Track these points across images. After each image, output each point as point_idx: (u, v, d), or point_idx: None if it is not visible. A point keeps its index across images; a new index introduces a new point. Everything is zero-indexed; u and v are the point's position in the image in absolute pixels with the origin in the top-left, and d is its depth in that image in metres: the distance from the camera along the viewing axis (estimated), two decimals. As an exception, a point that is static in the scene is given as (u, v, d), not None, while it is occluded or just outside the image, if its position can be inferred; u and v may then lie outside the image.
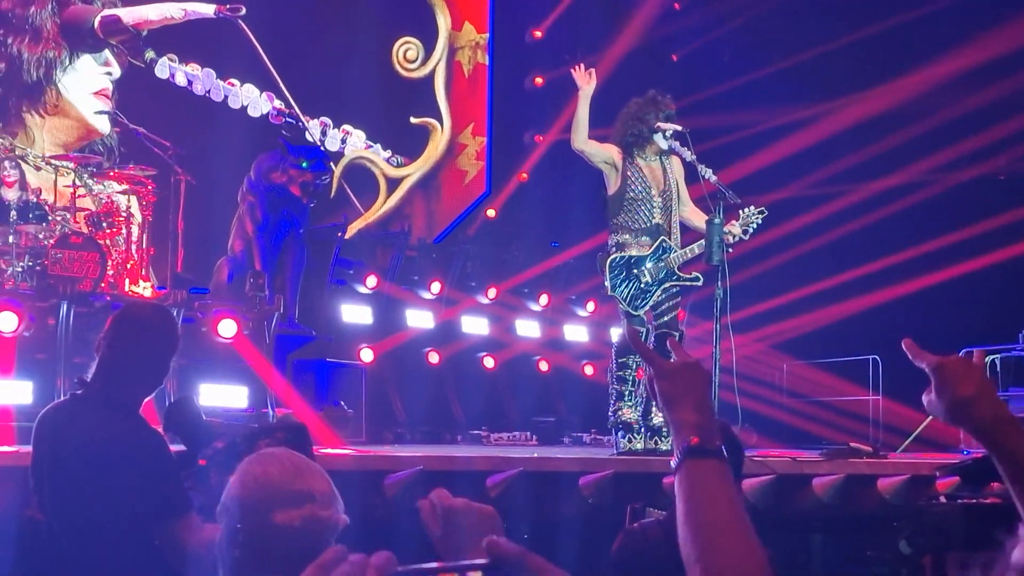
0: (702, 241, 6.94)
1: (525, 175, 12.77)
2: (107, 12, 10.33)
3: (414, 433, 9.48)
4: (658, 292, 7.04)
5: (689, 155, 7.04)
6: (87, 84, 10.34)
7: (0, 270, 7.74)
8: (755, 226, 7.04)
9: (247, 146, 9.86)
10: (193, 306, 7.97)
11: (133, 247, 8.43)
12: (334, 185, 11.39)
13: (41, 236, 7.90)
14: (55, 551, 3.30)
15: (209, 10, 10.63)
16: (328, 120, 11.84)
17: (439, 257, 11.24)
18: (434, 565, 1.31)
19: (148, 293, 8.19)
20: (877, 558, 6.33)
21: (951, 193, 11.08)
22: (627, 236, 7.08)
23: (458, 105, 12.75)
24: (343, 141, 11.96)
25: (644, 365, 7.20)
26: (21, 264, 7.68)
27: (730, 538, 1.52)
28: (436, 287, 10.53)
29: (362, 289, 10.12)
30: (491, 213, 12.60)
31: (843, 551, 6.73)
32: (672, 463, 1.62)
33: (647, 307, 7.04)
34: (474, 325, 10.73)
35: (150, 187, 8.62)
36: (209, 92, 11.07)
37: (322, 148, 10.69)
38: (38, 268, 7.62)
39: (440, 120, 12.70)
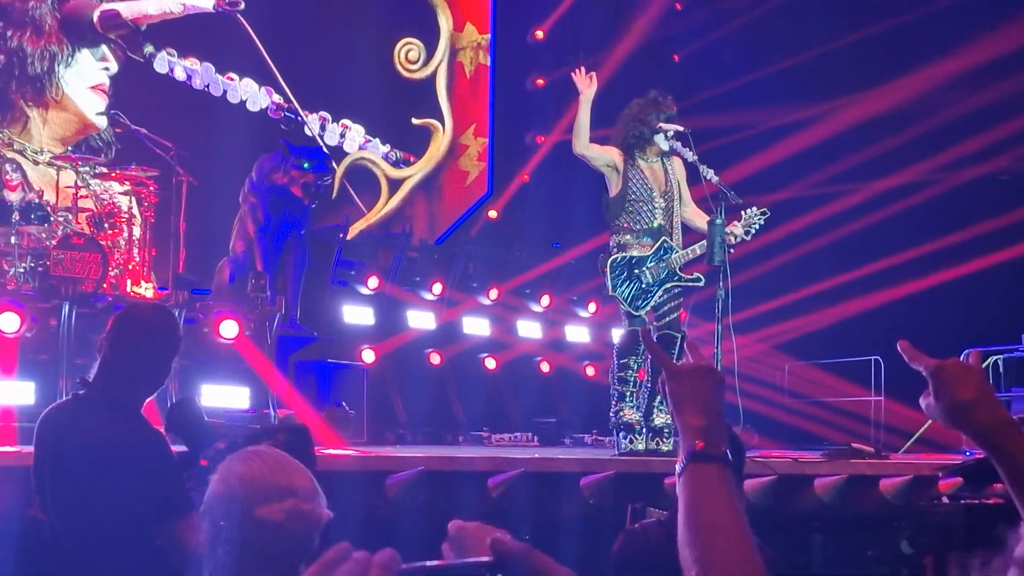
0: (704, 242, 6.93)
1: (527, 176, 12.77)
2: (106, 6, 10.33)
3: (415, 434, 9.47)
4: (659, 293, 7.03)
5: (691, 156, 7.04)
6: (84, 79, 10.36)
7: (2, 271, 7.75)
8: (757, 227, 7.04)
9: (249, 146, 9.85)
10: (195, 307, 7.97)
11: (135, 248, 8.44)
12: (336, 186, 11.40)
13: (43, 237, 7.90)
14: (57, 551, 3.30)
15: (208, 4, 10.62)
16: (327, 115, 11.83)
17: (441, 258, 11.24)
18: (437, 563, 1.31)
19: (150, 294, 8.20)
20: (878, 558, 6.33)
21: (953, 193, 11.07)
22: (629, 237, 7.08)
23: (460, 106, 12.75)
24: (342, 136, 11.95)
25: (645, 366, 7.21)
26: (23, 265, 7.69)
27: (727, 544, 1.51)
28: (437, 288, 10.53)
29: (364, 290, 10.12)
30: (493, 214, 12.60)
31: (844, 551, 6.73)
32: (676, 466, 1.62)
33: (648, 308, 7.04)
34: (475, 326, 10.72)
35: (152, 188, 8.63)
36: (208, 87, 11.07)
37: (324, 148, 10.69)
38: (40, 269, 7.62)
39: (442, 121, 12.70)
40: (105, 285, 7.74)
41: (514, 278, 11.30)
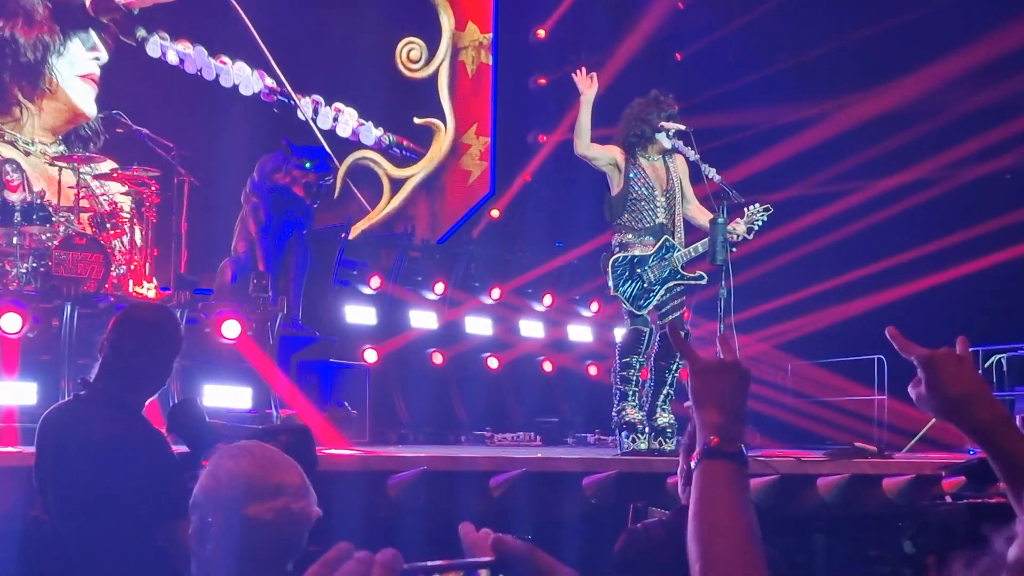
0: (706, 240, 6.92)
1: (529, 175, 12.77)
2: (99, -11, 10.36)
3: (418, 434, 9.47)
4: (662, 292, 7.02)
5: (693, 155, 7.02)
6: (75, 68, 10.36)
7: (4, 271, 7.74)
8: (760, 224, 7.02)
9: (248, 142, 9.84)
10: (197, 307, 7.96)
11: (137, 248, 8.44)
12: (338, 186, 11.39)
13: (45, 237, 7.90)
14: (59, 551, 3.30)
15: (200, -13, 10.67)
16: (320, 98, 11.80)
17: (443, 258, 11.24)
18: (440, 563, 1.30)
19: (152, 294, 8.19)
20: (880, 558, 6.33)
21: (957, 192, 11.05)
22: (630, 236, 7.07)
23: (462, 105, 12.75)
24: (335, 119, 11.93)
25: (647, 365, 7.18)
26: (25, 265, 7.69)
27: (727, 545, 1.50)
28: (440, 288, 10.53)
29: (366, 290, 10.12)
30: (495, 214, 12.59)
31: (846, 551, 6.72)
32: (692, 462, 1.61)
33: (650, 307, 7.03)
34: (478, 326, 10.72)
35: (153, 188, 8.62)
36: (201, 71, 11.07)
37: (325, 148, 10.68)
38: (42, 269, 7.62)
39: (444, 120, 12.70)
40: (107, 285, 7.74)
41: (516, 278, 11.30)
